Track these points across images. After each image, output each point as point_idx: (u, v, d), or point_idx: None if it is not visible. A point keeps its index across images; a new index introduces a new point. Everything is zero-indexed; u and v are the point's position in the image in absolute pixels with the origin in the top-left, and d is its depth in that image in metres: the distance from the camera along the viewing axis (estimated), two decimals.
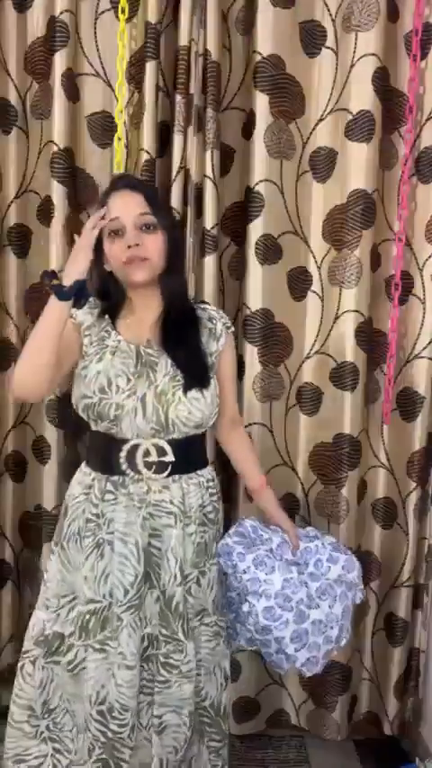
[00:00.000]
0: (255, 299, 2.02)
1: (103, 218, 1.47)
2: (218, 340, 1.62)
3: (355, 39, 1.95)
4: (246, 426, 1.99)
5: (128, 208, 1.50)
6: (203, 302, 1.80)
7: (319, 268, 2.08)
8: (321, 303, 2.08)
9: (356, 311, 2.02)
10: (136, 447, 1.53)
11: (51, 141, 1.96)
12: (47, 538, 2.09)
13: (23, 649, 1.65)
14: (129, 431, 1.52)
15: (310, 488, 2.15)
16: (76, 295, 1.44)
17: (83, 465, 1.64)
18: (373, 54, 1.93)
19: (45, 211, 2.02)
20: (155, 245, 1.51)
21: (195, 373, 1.55)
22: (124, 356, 1.55)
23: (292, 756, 2.21)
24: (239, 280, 2.06)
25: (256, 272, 2.01)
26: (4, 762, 1.63)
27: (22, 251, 2.11)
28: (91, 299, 1.59)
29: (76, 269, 1.43)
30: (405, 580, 2.14)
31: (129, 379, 1.52)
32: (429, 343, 2.08)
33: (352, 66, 1.96)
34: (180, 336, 1.57)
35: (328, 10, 1.98)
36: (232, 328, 1.68)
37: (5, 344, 2.14)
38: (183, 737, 1.61)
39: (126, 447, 1.54)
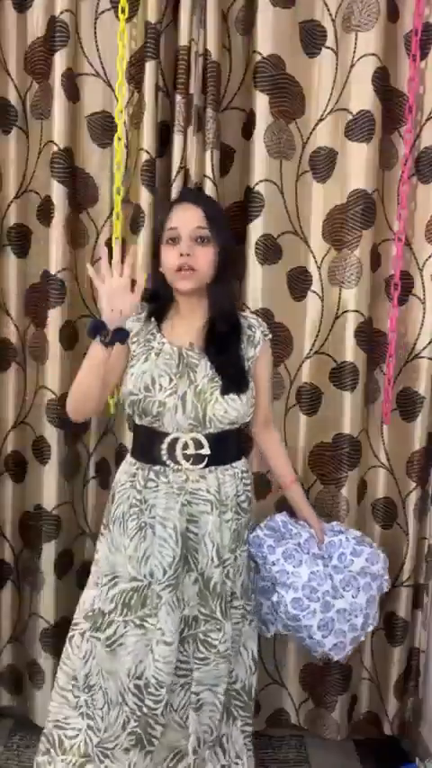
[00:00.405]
0: (255, 298, 2.02)
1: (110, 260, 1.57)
2: (255, 347, 1.73)
3: (355, 39, 1.95)
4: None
5: (186, 220, 1.63)
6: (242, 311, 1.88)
7: (319, 268, 2.08)
8: (321, 303, 2.08)
9: (356, 311, 2.02)
10: (176, 440, 1.65)
11: (51, 141, 1.96)
12: (47, 538, 2.09)
13: (74, 622, 1.76)
14: (170, 425, 1.64)
15: (310, 488, 2.15)
16: (105, 335, 1.55)
17: (128, 456, 1.76)
18: (373, 54, 1.94)
19: (45, 211, 2.02)
20: (205, 258, 1.62)
21: (234, 379, 1.66)
22: (167, 357, 1.66)
23: (292, 756, 2.21)
24: (239, 280, 2.05)
25: (255, 272, 2.01)
26: (46, 723, 1.76)
27: (22, 251, 2.11)
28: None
29: (103, 314, 1.55)
30: (405, 580, 2.14)
31: (171, 379, 1.64)
32: (429, 343, 2.08)
33: (352, 66, 1.96)
34: (223, 345, 1.68)
35: (328, 10, 1.98)
36: (270, 336, 1.77)
37: (5, 344, 2.14)
38: (217, 716, 1.73)
39: (167, 440, 1.65)
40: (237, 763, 1.81)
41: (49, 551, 2.10)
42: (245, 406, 1.66)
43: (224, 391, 1.63)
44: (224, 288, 1.69)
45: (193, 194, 1.79)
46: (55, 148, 1.95)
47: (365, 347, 2.05)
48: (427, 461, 2.13)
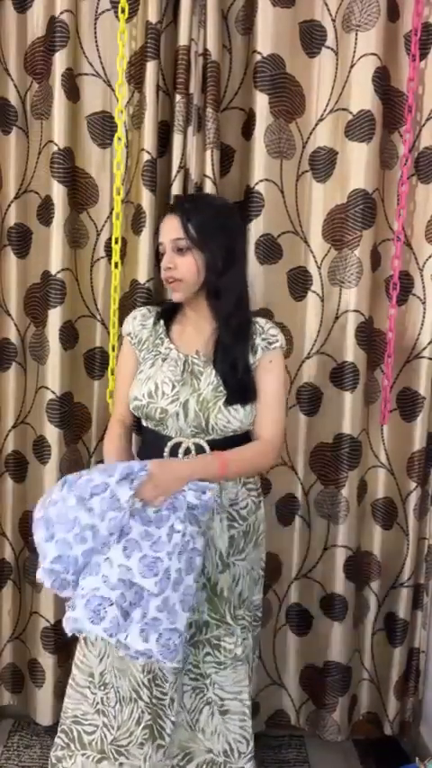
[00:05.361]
0: (255, 299, 2.02)
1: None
2: (255, 354, 1.67)
3: (355, 38, 1.95)
4: None
5: (166, 232, 1.66)
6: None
7: (319, 268, 2.08)
8: (321, 303, 2.08)
9: (357, 311, 2.02)
10: (178, 445, 1.66)
11: (51, 141, 1.96)
12: None
13: None
14: (172, 430, 1.66)
15: (310, 488, 2.15)
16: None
17: (135, 457, 1.80)
18: (373, 54, 1.93)
19: (45, 211, 2.02)
20: (186, 267, 1.63)
21: (238, 390, 1.63)
22: (173, 364, 1.68)
23: (291, 756, 2.21)
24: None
25: (256, 271, 2.01)
26: (63, 719, 1.77)
27: (22, 251, 2.11)
28: (144, 309, 1.78)
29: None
30: (405, 580, 2.14)
31: (173, 386, 1.65)
32: (429, 343, 2.08)
33: (352, 65, 1.96)
34: (228, 355, 1.64)
35: (328, 10, 1.98)
36: (276, 344, 1.69)
37: (5, 344, 2.14)
38: (249, 725, 1.72)
39: (170, 444, 1.66)
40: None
41: None
42: (248, 416, 1.64)
43: (228, 402, 1.62)
44: (226, 293, 1.65)
45: (174, 203, 1.79)
46: (55, 148, 1.95)
47: (366, 347, 2.05)
48: (427, 461, 2.13)
